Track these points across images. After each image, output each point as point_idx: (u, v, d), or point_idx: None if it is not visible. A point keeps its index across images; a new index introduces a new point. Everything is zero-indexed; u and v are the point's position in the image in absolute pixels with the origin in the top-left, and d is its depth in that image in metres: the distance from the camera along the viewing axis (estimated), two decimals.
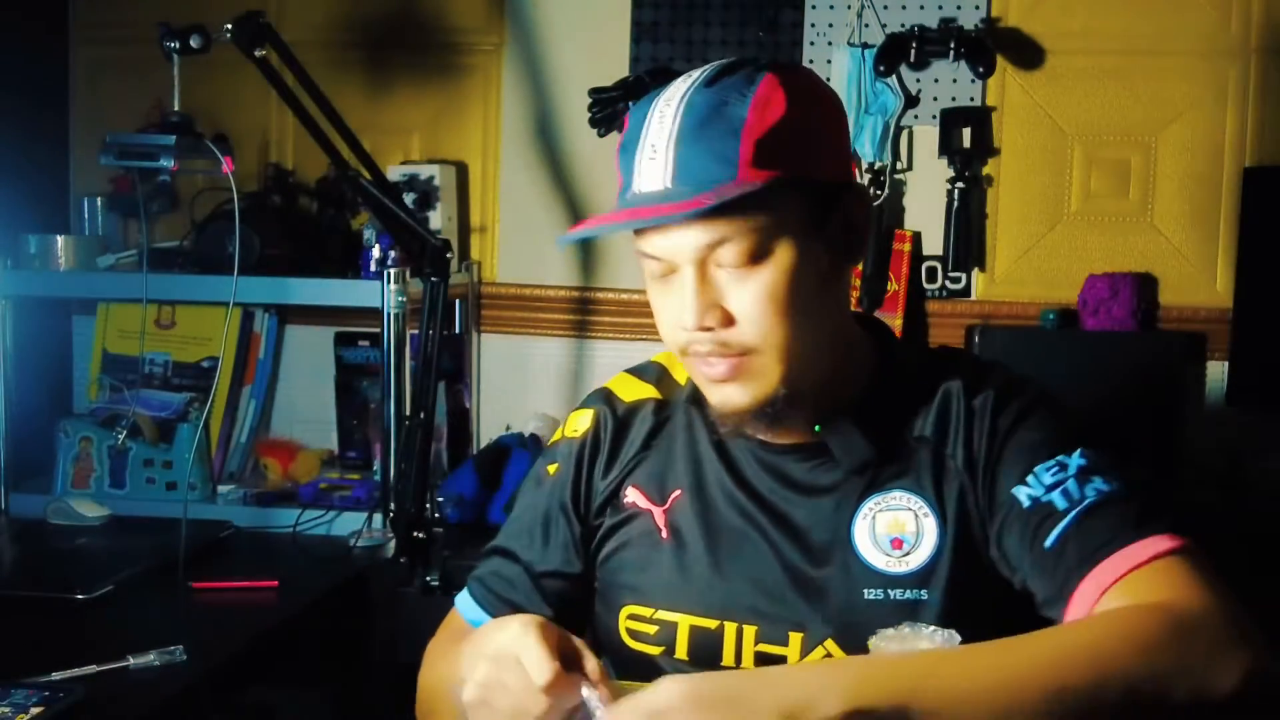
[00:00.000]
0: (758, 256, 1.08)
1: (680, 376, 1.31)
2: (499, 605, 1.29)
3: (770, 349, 1.11)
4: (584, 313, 2.60)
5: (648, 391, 1.31)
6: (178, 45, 2.02)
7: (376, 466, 2.40)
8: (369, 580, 2.08)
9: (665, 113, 1.09)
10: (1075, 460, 1.11)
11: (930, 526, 1.16)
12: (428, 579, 1.99)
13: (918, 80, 2.42)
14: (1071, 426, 1.16)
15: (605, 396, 1.32)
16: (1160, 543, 1.04)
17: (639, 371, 1.34)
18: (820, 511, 1.19)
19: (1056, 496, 1.09)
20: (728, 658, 1.18)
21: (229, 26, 1.96)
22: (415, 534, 2.04)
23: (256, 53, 1.98)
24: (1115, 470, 1.12)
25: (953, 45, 2.33)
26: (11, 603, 1.84)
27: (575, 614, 1.28)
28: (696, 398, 1.25)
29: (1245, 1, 2.35)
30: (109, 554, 2.07)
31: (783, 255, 1.09)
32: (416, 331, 2.17)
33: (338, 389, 2.55)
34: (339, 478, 2.45)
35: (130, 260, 2.46)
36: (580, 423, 1.32)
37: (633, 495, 1.26)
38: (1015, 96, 2.43)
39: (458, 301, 2.56)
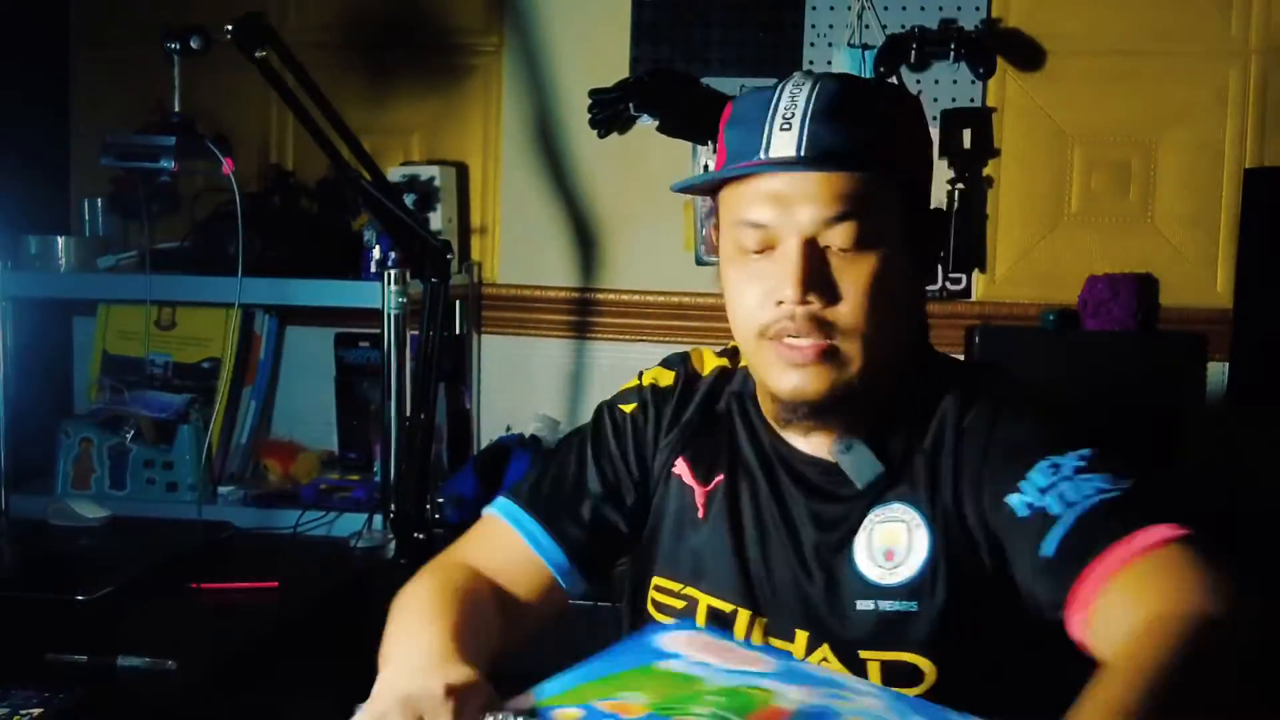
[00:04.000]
0: (866, 243, 1.11)
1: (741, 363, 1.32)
2: (550, 511, 1.29)
3: (859, 337, 1.13)
4: (584, 314, 2.60)
5: (721, 362, 1.33)
6: (178, 46, 2.03)
7: (377, 467, 2.40)
8: (369, 581, 2.08)
9: (796, 94, 1.13)
10: (1070, 461, 1.07)
11: (922, 538, 1.16)
12: None
13: (918, 81, 2.42)
14: (1067, 427, 1.12)
15: (684, 361, 1.34)
16: (1159, 531, 0.99)
17: (712, 351, 1.36)
18: (831, 521, 1.20)
19: (1051, 500, 1.05)
20: None
21: (229, 28, 1.96)
22: (416, 535, 2.04)
23: (257, 54, 1.98)
24: (1115, 468, 1.06)
25: (953, 46, 2.34)
26: (12, 603, 1.84)
27: (604, 551, 1.31)
28: (742, 392, 1.28)
29: (1245, 2, 2.35)
30: (109, 555, 2.07)
31: (885, 250, 1.13)
32: (417, 332, 2.17)
33: (338, 390, 2.55)
34: (339, 479, 2.45)
35: (131, 261, 2.46)
36: (661, 378, 1.33)
37: (680, 468, 1.28)
38: (1015, 97, 2.43)
39: (458, 302, 2.56)
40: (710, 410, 1.30)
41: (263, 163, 2.63)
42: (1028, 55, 2.42)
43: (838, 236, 1.11)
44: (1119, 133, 2.41)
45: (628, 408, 1.32)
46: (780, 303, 1.12)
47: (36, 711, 1.39)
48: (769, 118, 1.12)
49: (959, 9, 2.40)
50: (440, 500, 2.21)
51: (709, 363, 1.34)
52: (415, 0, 2.60)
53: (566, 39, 2.57)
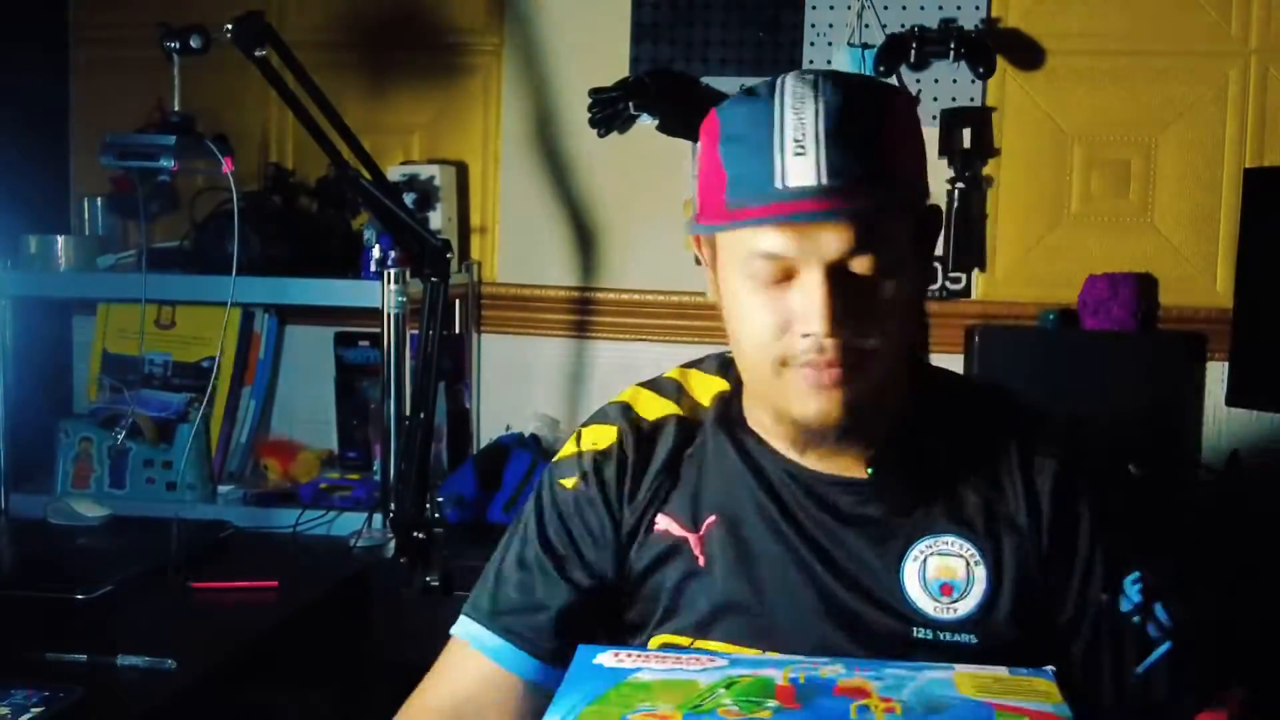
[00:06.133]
0: (888, 264, 1.07)
1: (701, 395, 1.25)
2: (512, 621, 1.21)
3: (879, 359, 1.09)
4: (584, 313, 2.60)
5: (669, 408, 1.24)
6: (178, 45, 2.02)
7: (376, 467, 2.40)
8: (369, 580, 2.08)
9: (802, 110, 1.05)
10: (1150, 577, 1.16)
11: (980, 575, 1.14)
12: (428, 579, 1.99)
13: (918, 81, 2.42)
14: (1144, 522, 1.20)
15: (624, 412, 1.24)
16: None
17: (655, 386, 1.27)
18: (867, 547, 1.15)
19: (1150, 626, 1.15)
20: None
21: (229, 27, 1.96)
22: (415, 534, 2.04)
23: (257, 53, 1.98)
24: (1177, 592, 1.18)
25: (953, 46, 2.34)
26: (11, 603, 1.84)
27: (579, 631, 1.18)
28: (726, 419, 1.21)
29: (1245, 1, 2.36)
30: (109, 554, 2.07)
31: (903, 266, 1.09)
32: (416, 332, 2.17)
33: (338, 389, 2.55)
34: (339, 478, 2.45)
35: (130, 260, 2.46)
36: (600, 438, 1.23)
37: (664, 523, 1.20)
38: (1015, 97, 2.44)
39: (458, 302, 2.56)
40: (681, 453, 1.21)
41: (262, 162, 2.63)
42: (1028, 55, 2.42)
43: (862, 263, 1.06)
44: (1119, 133, 2.41)
45: (569, 483, 1.22)
46: (806, 335, 1.06)
47: (36, 711, 1.39)
48: (777, 140, 1.05)
49: (959, 9, 2.40)
50: (440, 499, 2.22)
51: (656, 407, 1.24)
52: (415, 0, 2.60)
53: (566, 39, 2.57)
